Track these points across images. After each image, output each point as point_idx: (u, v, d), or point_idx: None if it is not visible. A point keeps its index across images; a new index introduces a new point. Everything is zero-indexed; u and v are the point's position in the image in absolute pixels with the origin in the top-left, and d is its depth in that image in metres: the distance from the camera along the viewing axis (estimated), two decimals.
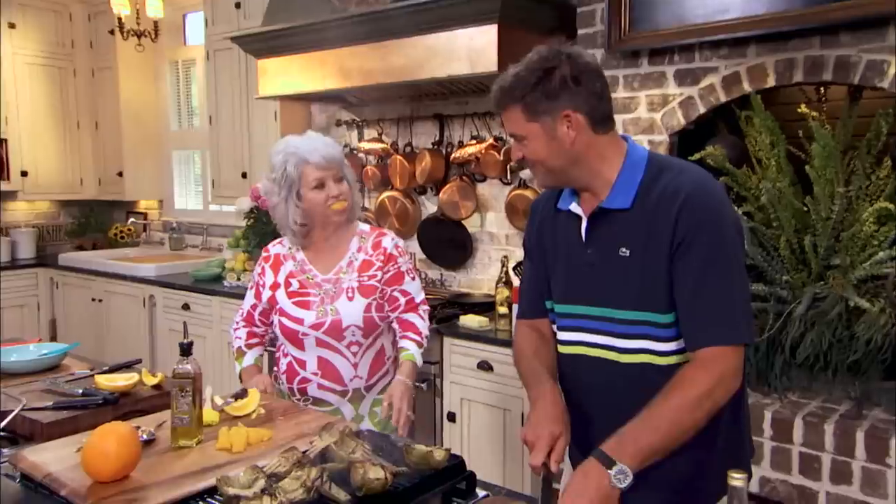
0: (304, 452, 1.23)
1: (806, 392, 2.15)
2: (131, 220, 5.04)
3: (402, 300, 1.91)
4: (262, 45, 3.39)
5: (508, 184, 3.20)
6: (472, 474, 1.28)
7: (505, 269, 2.82)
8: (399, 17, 2.81)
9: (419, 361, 1.91)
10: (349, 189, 1.85)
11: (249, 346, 1.98)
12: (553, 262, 1.37)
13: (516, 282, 2.83)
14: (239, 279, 3.70)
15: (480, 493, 1.27)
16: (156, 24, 4.44)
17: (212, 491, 1.14)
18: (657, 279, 1.21)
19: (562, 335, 1.37)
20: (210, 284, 3.80)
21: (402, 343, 1.91)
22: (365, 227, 1.95)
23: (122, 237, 5.04)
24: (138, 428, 1.31)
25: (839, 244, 2.08)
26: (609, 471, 1.09)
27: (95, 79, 4.81)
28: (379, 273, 1.87)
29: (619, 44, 2.39)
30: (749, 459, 1.39)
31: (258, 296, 1.93)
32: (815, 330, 2.07)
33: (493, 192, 3.29)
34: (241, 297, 3.50)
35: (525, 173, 3.08)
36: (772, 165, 2.23)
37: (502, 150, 3.12)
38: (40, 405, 1.54)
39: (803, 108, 2.21)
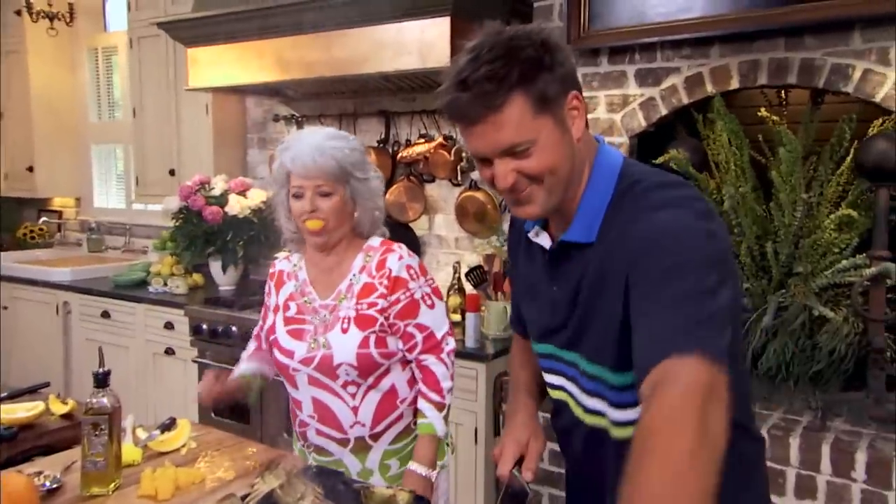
0: (243, 499, 1.04)
1: (767, 403, 2.09)
2: (43, 218, 4.63)
3: (419, 337, 1.54)
4: (192, 32, 3.13)
5: (458, 185, 3.06)
6: None
7: (457, 275, 2.68)
8: (345, 6, 2.64)
9: (441, 432, 1.54)
10: (336, 206, 1.48)
11: (251, 359, 1.69)
12: (526, 294, 1.16)
13: (469, 288, 2.70)
14: (166, 284, 3.42)
15: None
16: (71, 6, 4.08)
17: None
18: (608, 329, 0.96)
19: (546, 377, 1.16)
20: (133, 290, 3.49)
21: (421, 406, 1.55)
22: (376, 241, 1.59)
23: (33, 237, 4.62)
24: (39, 473, 1.09)
25: (800, 251, 2.04)
26: None
27: (1, 63, 4.39)
28: (381, 301, 1.51)
29: (577, 41, 2.29)
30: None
31: (264, 318, 1.67)
32: (778, 339, 2.02)
33: (443, 193, 3.15)
34: (169, 304, 3.28)
35: (476, 174, 2.95)
36: (732, 170, 2.18)
37: (452, 150, 2.98)
38: None
39: (764, 112, 2.17)
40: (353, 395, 1.51)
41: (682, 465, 0.70)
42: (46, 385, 1.70)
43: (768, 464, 1.87)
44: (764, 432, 1.89)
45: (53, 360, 3.69)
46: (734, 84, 2.09)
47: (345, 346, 1.49)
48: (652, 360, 0.81)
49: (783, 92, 2.28)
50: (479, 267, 2.69)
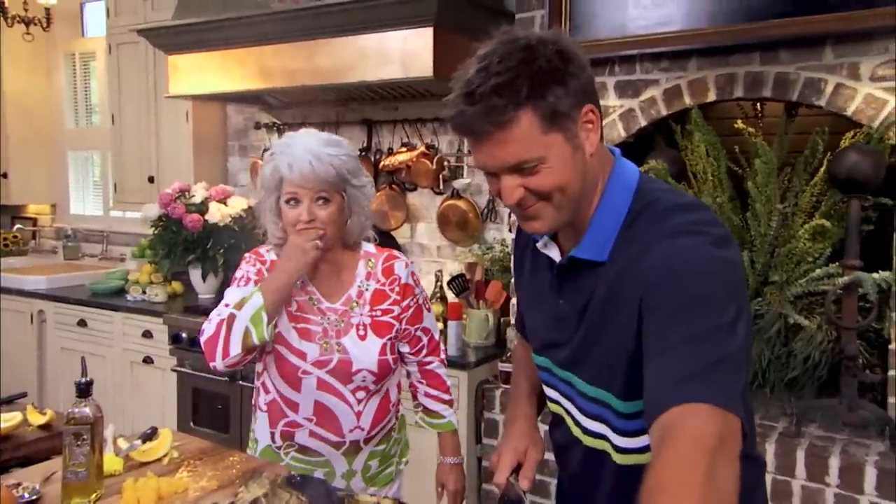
0: None
1: None
2: (17, 226, 4.55)
3: (425, 340, 1.61)
4: (172, 39, 3.12)
5: (440, 193, 3.07)
6: None
7: (439, 283, 2.69)
8: (328, 15, 2.64)
9: (456, 425, 1.67)
10: (334, 215, 1.43)
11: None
12: (530, 305, 1.13)
13: (451, 297, 2.71)
14: (144, 293, 3.38)
15: None
16: (48, 11, 4.03)
17: None
18: (615, 355, 0.93)
19: (546, 390, 1.14)
20: (111, 298, 3.45)
21: (434, 406, 1.64)
22: (370, 247, 1.59)
23: (7, 245, 4.53)
24: (17, 485, 1.07)
25: (775, 260, 2.08)
26: None
27: None
28: (396, 308, 1.53)
29: None
30: None
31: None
32: (755, 347, 2.06)
33: (425, 201, 3.16)
34: (147, 312, 3.24)
35: (458, 183, 2.97)
36: (709, 180, 2.22)
37: (434, 159, 3.00)
38: None
39: (740, 124, 2.21)
40: (360, 401, 1.51)
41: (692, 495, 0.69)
42: (23, 395, 1.67)
43: None
44: None
45: (28, 369, 3.63)
46: (711, 96, 2.13)
47: (365, 353, 1.48)
48: (663, 404, 0.79)
49: (759, 104, 2.34)
50: (461, 275, 2.70)
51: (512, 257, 1.28)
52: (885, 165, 1.87)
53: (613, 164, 0.99)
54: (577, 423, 1.05)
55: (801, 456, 1.85)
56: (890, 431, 1.85)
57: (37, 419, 1.44)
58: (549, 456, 1.18)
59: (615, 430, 0.97)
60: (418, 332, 1.59)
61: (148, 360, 3.20)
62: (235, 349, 1.34)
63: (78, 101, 4.49)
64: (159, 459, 1.30)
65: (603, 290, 0.94)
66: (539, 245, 1.05)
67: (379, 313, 1.52)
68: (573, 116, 0.88)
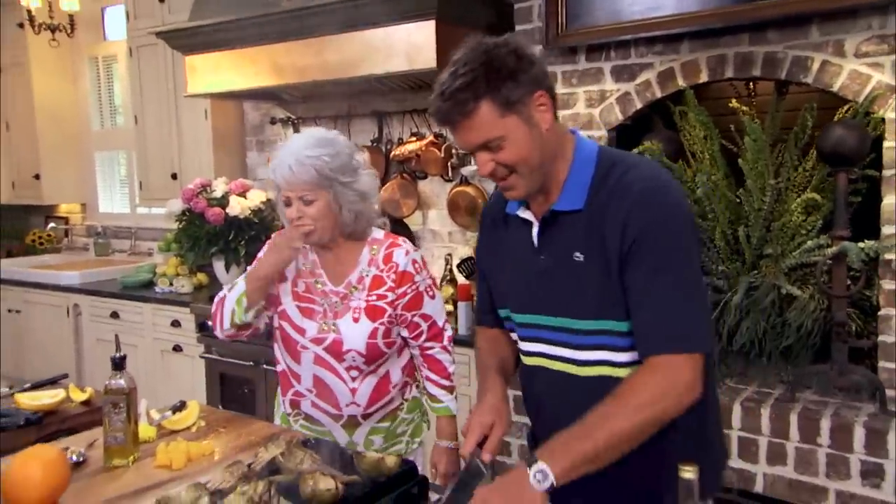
0: (249, 466, 1.17)
1: (742, 378, 2.22)
2: (51, 225, 4.76)
3: (424, 326, 1.67)
4: (189, 40, 3.25)
5: (450, 181, 3.18)
6: (425, 479, 1.25)
7: (449, 266, 2.81)
8: (334, 12, 2.75)
9: (454, 411, 1.72)
10: (320, 212, 1.53)
11: None
12: (508, 270, 1.28)
13: (461, 279, 2.82)
14: (171, 284, 3.55)
15: (433, 496, 1.24)
16: (71, 17, 4.20)
17: None
18: (613, 284, 1.13)
19: (523, 346, 1.30)
20: (140, 291, 3.63)
21: (433, 391, 1.71)
22: (379, 233, 1.68)
23: (41, 243, 4.75)
24: (66, 449, 1.22)
25: (770, 234, 2.15)
26: (529, 469, 1.03)
27: (4, 76, 4.51)
28: (390, 294, 1.61)
29: (556, 40, 2.41)
30: (720, 467, 1.34)
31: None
32: (751, 317, 2.14)
33: (435, 189, 3.27)
34: (175, 303, 3.41)
35: (466, 170, 3.07)
36: (706, 159, 2.29)
37: (443, 147, 3.10)
38: None
39: (734, 103, 2.28)
40: (354, 379, 1.62)
41: (632, 411, 1.06)
42: (65, 376, 1.83)
43: (741, 433, 2.01)
44: (738, 405, 2.02)
45: (66, 359, 3.83)
46: (703, 77, 2.21)
47: (355, 334, 1.58)
48: (652, 350, 1.10)
49: (751, 84, 2.40)
50: (470, 258, 2.81)
51: (477, 244, 1.41)
52: (870, 139, 1.93)
53: (575, 140, 1.21)
54: (571, 361, 1.20)
55: (794, 419, 1.94)
56: (880, 394, 1.92)
57: (78, 396, 1.59)
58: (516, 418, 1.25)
59: (618, 350, 1.16)
60: (416, 319, 1.64)
61: (177, 348, 3.37)
62: (226, 325, 1.57)
63: (102, 102, 4.67)
64: (188, 428, 1.44)
65: (583, 233, 1.15)
66: (518, 212, 1.23)
67: (375, 298, 1.61)
68: (525, 102, 1.10)
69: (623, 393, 1.08)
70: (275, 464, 1.18)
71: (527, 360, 1.29)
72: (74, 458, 1.23)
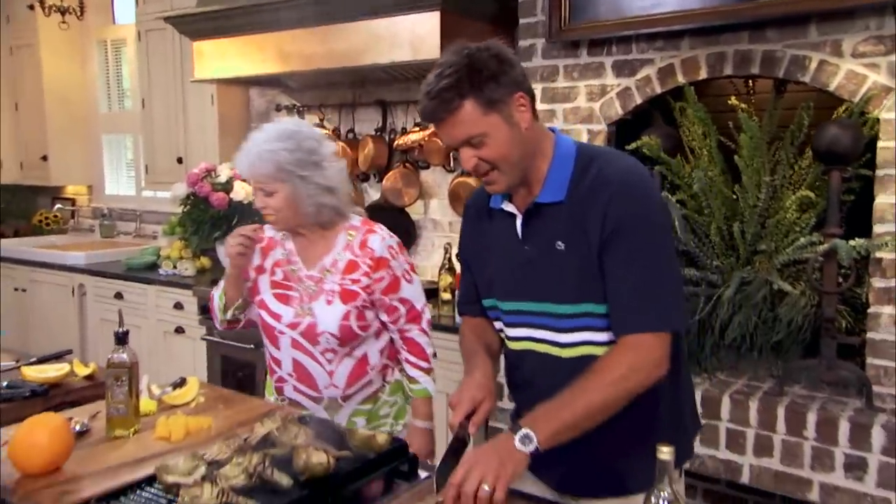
0: (245, 439, 1.22)
1: (733, 372, 2.25)
2: (58, 206, 4.82)
3: (403, 310, 1.71)
4: (197, 26, 3.28)
5: (452, 171, 3.21)
6: (415, 456, 1.29)
7: (448, 255, 2.85)
8: (341, 1, 2.78)
9: (432, 392, 1.77)
10: (281, 202, 1.60)
11: None
12: (493, 261, 1.35)
13: (459, 268, 2.86)
14: (175, 267, 3.60)
15: (423, 474, 1.29)
16: (81, 0, 4.23)
17: (150, 480, 1.12)
18: (592, 270, 1.21)
19: (510, 332, 1.36)
20: (144, 273, 3.68)
21: (411, 372, 1.75)
22: (356, 220, 1.73)
23: (48, 224, 4.81)
24: (70, 419, 1.27)
25: (765, 230, 2.19)
26: (515, 434, 1.12)
27: (14, 57, 4.56)
28: (365, 279, 1.66)
29: (559, 34, 2.43)
30: (691, 436, 1.42)
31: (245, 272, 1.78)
32: (743, 312, 2.18)
33: (437, 179, 3.30)
34: (178, 285, 3.46)
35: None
36: (704, 155, 2.32)
37: None
38: None
39: (733, 100, 2.31)
40: (330, 361, 1.68)
41: (606, 385, 1.17)
42: (69, 352, 1.88)
43: (730, 425, 2.05)
44: (727, 397, 2.06)
45: (70, 338, 3.88)
46: (703, 74, 2.23)
47: (329, 317, 1.64)
48: (627, 328, 1.19)
49: (750, 82, 2.42)
50: None
51: (460, 237, 1.47)
52: (865, 138, 1.96)
53: (555, 138, 1.28)
54: (556, 343, 1.27)
55: (781, 412, 1.97)
56: (866, 390, 1.96)
57: (82, 370, 1.64)
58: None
59: (598, 330, 1.24)
60: (394, 302, 1.69)
61: (179, 330, 3.43)
62: (218, 320, 1.76)
63: (110, 85, 4.71)
64: (187, 403, 1.49)
65: (565, 223, 1.23)
66: (503, 206, 1.30)
67: (349, 282, 1.65)
68: (506, 101, 1.17)
69: (598, 369, 1.19)
70: (270, 438, 1.22)
71: (514, 346, 1.35)
72: (78, 427, 1.28)
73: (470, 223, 1.42)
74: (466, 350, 1.39)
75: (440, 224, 3.34)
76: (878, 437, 1.83)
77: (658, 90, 2.34)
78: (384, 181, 3.36)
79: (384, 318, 1.71)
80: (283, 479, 1.10)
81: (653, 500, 1.00)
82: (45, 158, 4.51)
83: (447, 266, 2.81)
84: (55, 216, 4.83)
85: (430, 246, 3.37)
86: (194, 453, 1.12)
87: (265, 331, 1.72)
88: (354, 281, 1.66)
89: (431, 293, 2.96)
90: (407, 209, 3.35)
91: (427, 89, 1.17)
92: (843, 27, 1.98)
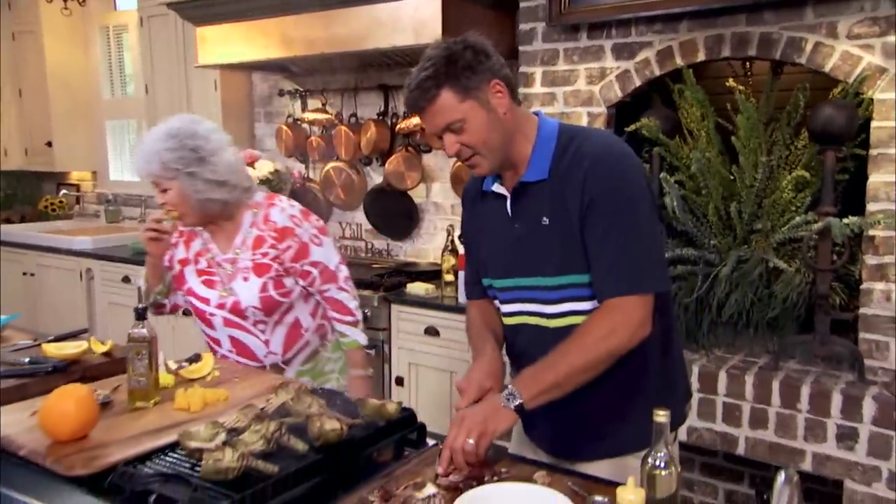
0: (261, 409, 1.27)
1: (730, 348, 2.31)
2: (63, 191, 4.86)
3: (315, 272, 1.81)
4: (200, 12, 3.31)
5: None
6: (423, 425, 1.35)
7: (451, 237, 2.90)
8: None
9: (363, 341, 1.89)
10: (175, 197, 1.68)
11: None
12: (487, 241, 1.43)
13: (461, 249, 2.91)
14: None
15: (430, 442, 1.34)
16: None
17: (173, 447, 1.17)
18: (574, 242, 1.28)
19: (504, 308, 1.43)
20: None
21: (339, 328, 1.88)
22: (259, 196, 1.82)
23: (54, 209, 4.86)
24: (94, 391, 1.32)
25: (761, 210, 2.24)
26: (501, 393, 1.21)
27: (17, 42, 4.58)
28: (272, 251, 1.75)
29: (559, 17, 2.46)
30: (682, 403, 1.49)
31: (169, 264, 1.87)
32: (739, 290, 2.23)
33: (439, 162, 3.34)
34: None
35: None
36: (702, 136, 2.37)
37: None
38: None
39: (731, 82, 2.35)
40: (263, 331, 1.80)
41: (588, 346, 1.23)
42: (85, 331, 1.94)
43: (726, 399, 2.11)
44: (723, 372, 2.12)
45: (79, 322, 3.94)
46: (700, 56, 2.27)
47: (247, 292, 1.75)
48: (608, 293, 1.26)
49: (748, 63, 2.46)
50: None
51: (462, 218, 1.54)
52: (859, 118, 2.00)
53: (538, 121, 1.35)
54: (544, 315, 1.34)
55: (776, 386, 2.03)
56: (859, 364, 2.02)
57: (99, 348, 1.69)
58: None
59: (583, 300, 1.31)
60: (306, 267, 1.78)
61: (186, 312, 3.47)
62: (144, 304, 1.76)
63: (113, 71, 4.73)
64: (203, 377, 1.55)
65: (548, 199, 1.30)
66: (493, 188, 1.38)
67: (259, 256, 1.76)
68: (482, 89, 1.25)
69: (581, 331, 1.26)
70: (285, 408, 1.28)
71: (508, 321, 1.43)
72: (101, 399, 1.33)
73: (467, 208, 1.50)
74: (474, 336, 1.46)
75: (442, 207, 3.38)
76: (868, 408, 1.89)
77: (657, 73, 2.38)
78: (387, 165, 3.40)
79: (301, 282, 1.81)
80: (299, 445, 1.16)
81: (650, 461, 1.06)
82: (49, 144, 4.55)
83: (450, 248, 2.86)
84: (60, 202, 4.88)
85: (433, 229, 3.42)
86: (214, 421, 1.18)
87: (198, 316, 1.84)
88: (264, 254, 1.76)
89: (434, 275, 3.02)
90: (409, 192, 3.40)
91: (409, 82, 1.27)
92: (838, 9, 2.01)
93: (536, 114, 1.37)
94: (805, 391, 1.99)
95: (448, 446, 1.16)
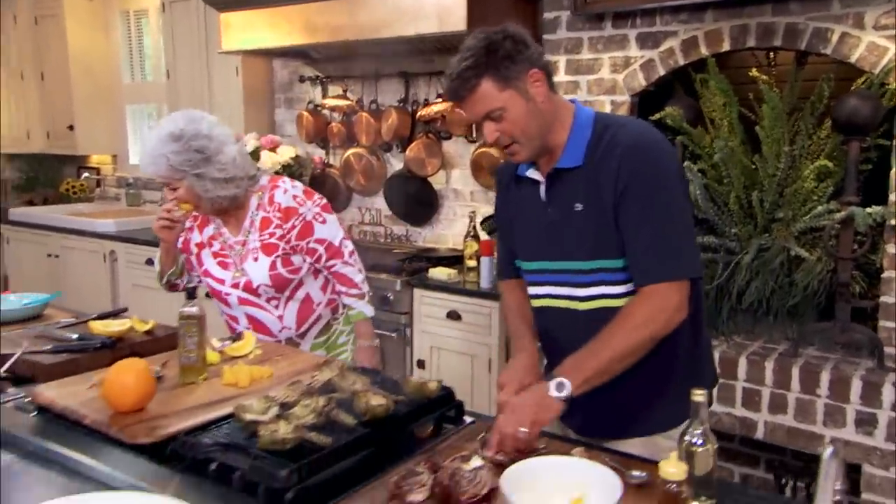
0: (308, 384, 1.32)
1: (749, 335, 2.36)
2: (85, 174, 4.92)
3: (322, 249, 1.88)
4: None
5: (474, 141, 3.29)
6: (461, 403, 1.40)
7: (472, 223, 2.94)
8: None
9: (370, 313, 1.97)
10: (186, 194, 1.75)
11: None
12: (519, 226, 1.47)
13: (483, 235, 2.96)
14: None
15: (467, 419, 1.40)
16: None
17: (227, 419, 1.23)
18: (607, 228, 1.32)
19: (531, 290, 1.48)
20: None
21: (346, 301, 1.96)
22: (264, 180, 1.90)
23: (75, 192, 4.92)
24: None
25: (783, 199, 2.27)
26: (549, 382, 1.24)
27: (39, 26, 4.62)
28: (279, 230, 1.83)
29: (584, 7, 2.49)
30: (709, 387, 1.52)
31: (185, 246, 1.95)
32: (760, 278, 2.27)
33: (459, 149, 3.38)
34: None
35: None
36: (724, 126, 2.39)
37: None
38: (38, 349, 1.58)
39: (754, 72, 2.37)
40: (277, 307, 1.89)
41: (628, 331, 1.28)
42: (125, 310, 2.00)
43: (746, 384, 2.16)
44: (743, 358, 2.16)
45: (103, 303, 4.00)
46: (725, 46, 2.29)
47: (257, 271, 1.83)
48: (646, 280, 1.29)
49: (772, 53, 2.48)
50: (492, 216, 2.93)
51: (495, 202, 1.58)
52: (884, 109, 2.03)
53: (575, 109, 1.39)
54: (574, 298, 1.39)
55: (796, 372, 2.08)
56: (878, 351, 2.06)
57: (141, 326, 1.75)
58: None
59: (615, 283, 1.35)
60: (312, 245, 1.86)
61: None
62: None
63: (133, 56, 4.77)
64: (246, 355, 1.60)
65: (583, 186, 1.34)
66: (528, 173, 1.42)
67: (267, 236, 1.84)
68: (521, 78, 1.29)
69: (622, 317, 1.30)
70: (331, 384, 1.33)
71: (535, 303, 1.48)
72: (154, 374, 1.39)
73: (501, 191, 1.54)
74: (513, 324, 1.52)
75: (462, 193, 3.42)
76: (888, 394, 1.93)
77: (681, 62, 2.40)
78: (407, 151, 3.44)
79: (308, 259, 1.88)
80: (348, 419, 1.21)
81: (687, 437, 1.10)
82: (71, 128, 4.60)
83: (472, 234, 2.91)
84: (81, 185, 4.94)
85: (452, 215, 3.46)
86: (266, 396, 1.23)
87: (215, 296, 1.92)
88: (271, 234, 1.85)
89: (454, 260, 3.07)
90: (429, 179, 3.44)
91: (450, 71, 1.30)
92: (864, 0, 2.03)
93: (573, 101, 1.41)
94: (825, 377, 2.03)
95: (499, 431, 1.20)
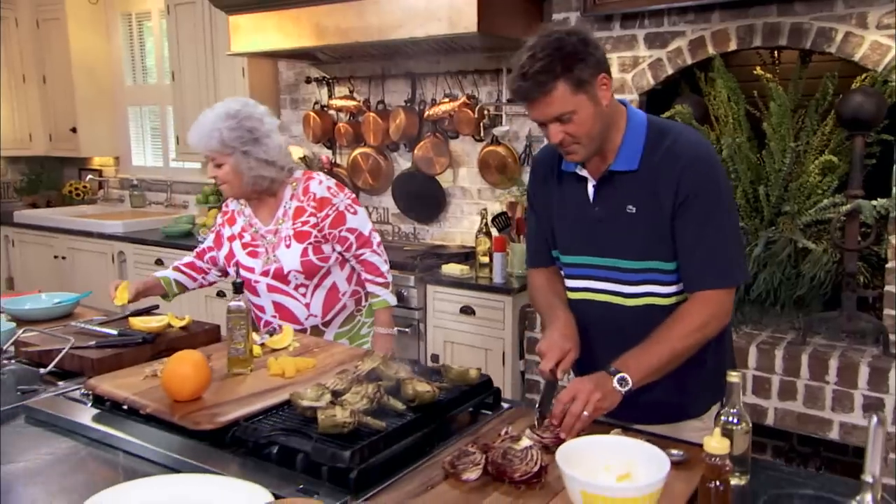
0: (355, 373, 1.38)
1: (757, 325, 2.43)
2: (89, 176, 4.93)
3: (352, 238, 1.97)
4: (233, 0, 3.37)
5: (481, 140, 3.35)
6: (499, 390, 1.46)
7: (485, 220, 3.00)
8: None
9: (392, 302, 2.05)
10: (229, 173, 1.84)
11: (176, 269, 2.10)
12: (559, 218, 1.49)
13: (495, 232, 3.02)
14: None
15: (504, 405, 1.46)
16: None
17: (281, 407, 1.28)
18: (662, 233, 1.36)
19: (569, 282, 1.51)
20: (182, 240, 3.82)
21: (371, 288, 2.04)
22: (298, 172, 1.99)
23: (79, 194, 4.93)
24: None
25: (788, 193, 2.35)
26: (613, 376, 1.28)
27: (41, 30, 4.63)
28: (312, 219, 1.91)
29: (593, 8, 2.56)
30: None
31: (217, 242, 2.05)
32: (767, 269, 2.35)
33: (466, 148, 3.44)
34: None
35: (497, 130, 3.23)
36: (730, 123, 2.47)
37: (476, 108, 3.26)
38: (83, 345, 1.62)
39: (759, 70, 2.45)
40: (304, 295, 1.95)
41: (689, 333, 1.34)
42: (156, 307, 2.04)
43: (756, 373, 2.23)
44: (753, 347, 2.24)
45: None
46: (732, 46, 2.37)
47: (289, 257, 1.90)
48: (699, 286, 1.36)
49: (776, 52, 2.56)
50: (503, 213, 2.99)
51: (530, 191, 1.59)
52: (887, 105, 2.11)
53: (627, 111, 1.41)
54: (620, 294, 1.43)
55: (805, 359, 2.16)
56: (884, 338, 2.14)
57: (177, 322, 1.80)
58: None
59: (664, 284, 1.40)
60: (343, 233, 1.95)
61: (221, 294, 3.58)
62: None
63: (135, 58, 4.79)
64: (286, 347, 1.65)
65: (637, 189, 1.38)
66: (577, 170, 1.44)
67: (300, 225, 1.91)
68: (592, 83, 1.30)
69: (679, 319, 1.36)
70: (375, 372, 1.39)
71: (574, 295, 1.52)
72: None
73: (538, 181, 1.55)
74: (545, 302, 1.54)
75: (469, 192, 3.48)
76: (894, 379, 2.01)
77: (689, 61, 2.47)
78: (415, 150, 3.49)
79: (338, 248, 1.96)
80: (398, 405, 1.27)
81: (723, 417, 1.17)
82: (74, 130, 4.61)
83: (484, 230, 2.97)
84: (84, 186, 4.95)
85: (460, 213, 3.52)
86: (318, 384, 1.29)
87: (245, 284, 1.94)
88: (304, 223, 1.92)
89: (465, 257, 3.13)
90: (437, 177, 3.49)
91: (521, 71, 1.28)
92: (867, 0, 2.11)
93: (623, 103, 1.43)
94: (833, 364, 2.11)
95: (563, 405, 1.24)
